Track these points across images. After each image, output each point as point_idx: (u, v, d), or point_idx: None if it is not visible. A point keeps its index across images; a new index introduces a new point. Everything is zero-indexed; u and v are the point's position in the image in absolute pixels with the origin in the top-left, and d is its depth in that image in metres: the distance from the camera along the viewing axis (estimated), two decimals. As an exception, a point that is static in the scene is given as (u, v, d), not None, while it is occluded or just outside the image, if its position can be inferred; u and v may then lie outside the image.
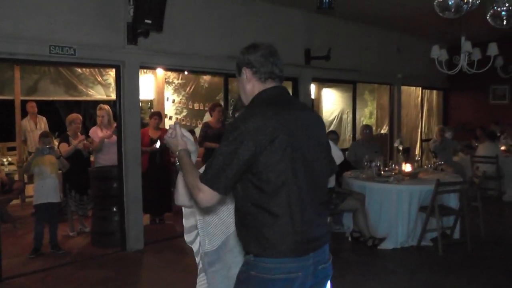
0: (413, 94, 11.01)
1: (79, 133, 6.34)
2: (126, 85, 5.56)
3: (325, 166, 2.08)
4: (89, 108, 13.83)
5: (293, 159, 1.87)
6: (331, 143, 2.32)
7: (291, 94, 2.09)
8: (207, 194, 1.85)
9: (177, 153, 2.11)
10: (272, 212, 1.86)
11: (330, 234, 2.08)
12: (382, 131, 10.63)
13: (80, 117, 6.58)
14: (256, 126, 1.83)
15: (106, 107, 6.56)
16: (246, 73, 2.03)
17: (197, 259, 2.44)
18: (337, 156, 2.41)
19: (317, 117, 2.17)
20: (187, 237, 2.43)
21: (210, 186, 1.83)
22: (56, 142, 6.53)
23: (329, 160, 2.15)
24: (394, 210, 5.64)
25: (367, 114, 11.67)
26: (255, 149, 1.81)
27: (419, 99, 11.13)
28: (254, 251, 1.90)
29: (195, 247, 2.43)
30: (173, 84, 9.10)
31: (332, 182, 2.33)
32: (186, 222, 2.41)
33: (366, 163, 6.31)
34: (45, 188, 5.48)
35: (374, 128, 9.65)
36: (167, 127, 7.31)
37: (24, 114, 8.17)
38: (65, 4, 5.00)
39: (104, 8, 5.30)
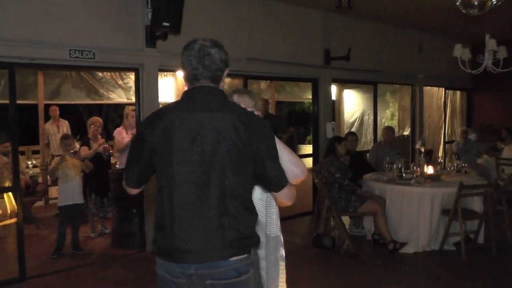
0: (435, 95, 10.80)
1: (99, 136, 6.40)
2: (145, 88, 5.59)
3: (228, 175, 1.82)
4: (110, 111, 14.01)
5: (171, 163, 1.84)
6: (287, 156, 1.97)
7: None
8: (124, 184, 2.08)
9: None
10: (156, 213, 1.94)
11: (228, 251, 1.83)
12: (405, 133, 10.47)
13: (100, 120, 6.65)
14: (148, 128, 1.91)
15: None
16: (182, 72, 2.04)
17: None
18: (291, 172, 1.98)
19: (234, 121, 1.83)
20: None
21: (125, 177, 2.05)
22: (77, 145, 6.61)
23: (243, 168, 1.86)
24: (415, 213, 5.50)
25: (388, 116, 11.51)
26: (148, 148, 1.91)
27: (442, 100, 10.92)
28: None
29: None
30: (193, 87, 9.11)
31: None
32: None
33: (387, 165, 6.20)
34: (70, 190, 5.57)
35: (396, 129, 9.49)
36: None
37: (47, 118, 8.32)
38: (83, 8, 5.06)
39: (122, 12, 5.35)
